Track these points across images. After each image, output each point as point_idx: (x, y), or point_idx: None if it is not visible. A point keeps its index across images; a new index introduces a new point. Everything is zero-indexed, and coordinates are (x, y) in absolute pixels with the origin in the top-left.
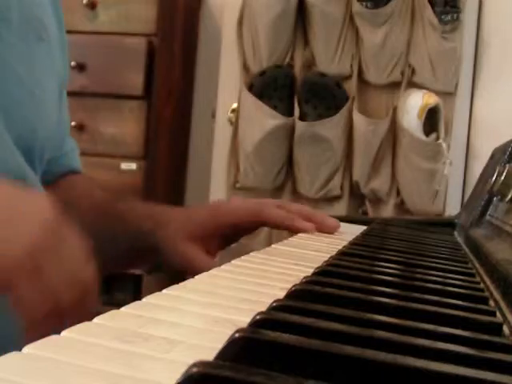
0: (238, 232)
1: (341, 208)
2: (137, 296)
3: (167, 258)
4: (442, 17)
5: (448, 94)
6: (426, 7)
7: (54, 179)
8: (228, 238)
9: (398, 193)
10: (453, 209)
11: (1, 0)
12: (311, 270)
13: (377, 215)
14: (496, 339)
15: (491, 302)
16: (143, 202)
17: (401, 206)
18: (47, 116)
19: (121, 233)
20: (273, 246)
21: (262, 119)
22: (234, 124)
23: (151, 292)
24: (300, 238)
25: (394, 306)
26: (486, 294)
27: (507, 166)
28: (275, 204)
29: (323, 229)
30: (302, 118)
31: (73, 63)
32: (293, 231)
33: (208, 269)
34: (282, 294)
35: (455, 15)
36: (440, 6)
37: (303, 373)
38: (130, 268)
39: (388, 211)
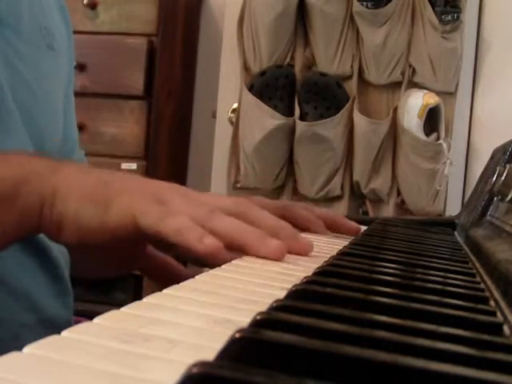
0: None
1: (341, 208)
2: (137, 296)
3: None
4: (443, 17)
5: (448, 94)
6: (427, 7)
7: None
8: None
9: (399, 193)
10: (453, 209)
11: (13, 11)
12: (311, 270)
13: (377, 215)
14: (496, 339)
15: (491, 302)
16: None
17: (401, 206)
18: (54, 122)
19: None
20: None
21: (263, 119)
22: (235, 124)
23: (151, 292)
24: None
25: (394, 305)
26: (487, 294)
27: (507, 166)
28: (302, 206)
29: (346, 231)
30: (303, 117)
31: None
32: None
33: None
34: (282, 294)
35: (456, 15)
36: (440, 5)
37: (303, 373)
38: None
39: (388, 211)
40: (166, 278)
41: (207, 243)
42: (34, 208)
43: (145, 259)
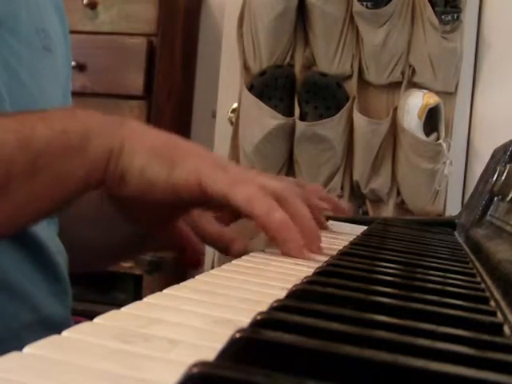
0: None
1: None
2: (137, 296)
3: None
4: (443, 17)
5: (448, 94)
6: (427, 7)
7: None
8: None
9: (399, 193)
10: (453, 209)
11: (10, 12)
12: (312, 270)
13: (377, 215)
14: (497, 339)
15: (492, 302)
16: None
17: (401, 206)
18: None
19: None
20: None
21: (263, 119)
22: (235, 124)
23: (151, 292)
24: None
25: (394, 305)
26: (487, 294)
27: (508, 166)
28: (293, 183)
29: (338, 211)
30: (303, 117)
31: (73, 63)
32: None
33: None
34: (282, 294)
35: (456, 15)
36: (440, 6)
37: (303, 373)
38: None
39: (388, 211)
40: (184, 250)
41: (275, 217)
42: (102, 162)
43: (174, 226)
